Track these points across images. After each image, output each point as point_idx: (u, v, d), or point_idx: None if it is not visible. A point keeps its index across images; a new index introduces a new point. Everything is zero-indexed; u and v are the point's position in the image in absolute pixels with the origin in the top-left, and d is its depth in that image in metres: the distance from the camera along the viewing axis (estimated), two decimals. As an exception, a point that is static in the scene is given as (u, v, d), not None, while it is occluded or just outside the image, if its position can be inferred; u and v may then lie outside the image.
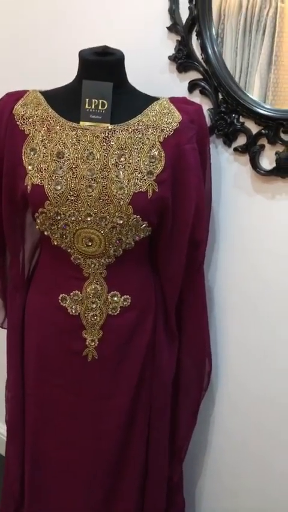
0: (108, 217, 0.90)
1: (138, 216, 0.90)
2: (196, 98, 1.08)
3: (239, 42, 1.01)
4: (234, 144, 1.07)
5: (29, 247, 1.10)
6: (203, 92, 1.07)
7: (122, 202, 0.89)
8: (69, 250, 0.95)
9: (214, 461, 1.30)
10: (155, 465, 1.12)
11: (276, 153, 1.01)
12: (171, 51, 1.08)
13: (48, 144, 0.91)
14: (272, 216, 1.06)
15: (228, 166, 1.09)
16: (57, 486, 1.09)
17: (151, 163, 0.90)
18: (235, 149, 1.06)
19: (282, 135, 1.00)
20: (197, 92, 1.08)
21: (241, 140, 1.06)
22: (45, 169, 0.90)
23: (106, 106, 0.89)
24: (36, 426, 1.07)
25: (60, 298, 0.98)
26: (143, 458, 1.11)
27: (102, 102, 0.89)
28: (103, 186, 0.89)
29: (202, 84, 1.06)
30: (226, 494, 1.29)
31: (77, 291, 0.97)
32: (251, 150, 1.04)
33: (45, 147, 0.91)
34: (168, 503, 1.20)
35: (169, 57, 1.08)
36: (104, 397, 1.03)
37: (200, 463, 1.32)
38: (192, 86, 1.08)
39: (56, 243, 0.95)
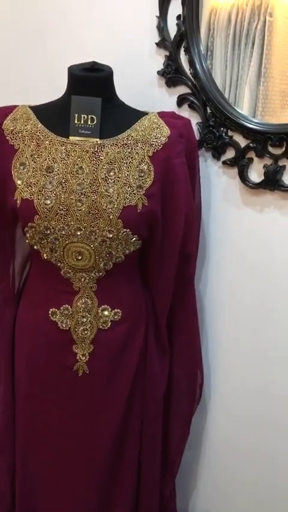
0: (98, 231, 0.90)
1: (128, 230, 0.90)
2: (185, 112, 1.09)
3: (228, 55, 1.02)
4: (223, 158, 1.08)
5: (19, 261, 1.09)
6: (191, 106, 1.08)
7: (111, 216, 0.89)
8: (59, 264, 0.95)
9: (207, 474, 1.29)
10: (147, 479, 1.11)
11: (264, 166, 1.02)
12: (160, 66, 1.09)
13: (38, 159, 0.91)
14: (261, 228, 1.07)
15: (217, 180, 1.10)
16: (48, 501, 1.08)
17: (140, 178, 0.91)
18: (224, 162, 1.08)
19: (270, 149, 1.01)
20: (185, 106, 1.09)
21: (230, 153, 1.07)
22: (34, 183, 0.90)
23: (95, 121, 0.90)
24: (26, 441, 1.06)
25: (50, 312, 0.98)
26: (135, 472, 1.10)
27: (92, 117, 0.90)
28: (93, 201, 0.89)
29: (191, 98, 1.08)
30: (220, 506, 1.28)
31: (67, 305, 0.97)
32: (240, 163, 1.05)
33: (34, 162, 0.91)
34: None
35: (158, 72, 1.10)
36: (95, 411, 1.02)
37: (193, 475, 1.31)
38: (181, 100, 1.09)
39: (45, 257, 0.95)
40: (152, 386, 1.07)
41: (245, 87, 1.02)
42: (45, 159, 0.90)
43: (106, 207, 0.89)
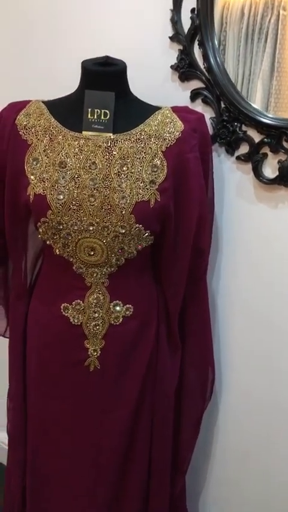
0: (110, 226, 0.90)
1: (140, 225, 0.90)
2: (198, 106, 1.08)
3: (241, 49, 1.01)
4: (237, 153, 1.07)
5: (31, 256, 1.09)
6: (205, 101, 1.07)
7: (124, 212, 0.88)
8: (71, 260, 0.95)
9: (217, 471, 1.28)
10: (157, 477, 1.11)
11: (278, 162, 1.01)
12: (174, 61, 1.08)
13: (51, 154, 0.91)
14: (275, 224, 1.06)
15: (231, 175, 1.09)
16: (58, 498, 1.08)
17: (153, 173, 0.90)
18: (238, 158, 1.06)
19: (285, 144, 0.99)
20: (199, 100, 1.08)
21: (244, 149, 1.05)
22: (47, 179, 0.90)
23: (108, 116, 0.89)
24: (36, 437, 1.06)
25: (62, 307, 0.98)
26: (145, 470, 1.09)
27: (105, 112, 0.89)
28: (105, 196, 0.89)
29: (204, 93, 1.07)
30: (229, 504, 1.28)
31: (79, 301, 0.97)
32: (254, 159, 1.04)
33: (47, 157, 0.91)
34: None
35: (171, 67, 1.09)
36: (106, 407, 1.02)
37: (204, 473, 1.30)
38: (194, 95, 1.08)
39: (58, 252, 0.95)
40: (163, 382, 1.07)
41: (257, 82, 1.00)
42: (58, 154, 0.90)
43: (119, 202, 0.88)
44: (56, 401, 1.03)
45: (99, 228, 0.90)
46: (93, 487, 1.05)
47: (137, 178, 0.89)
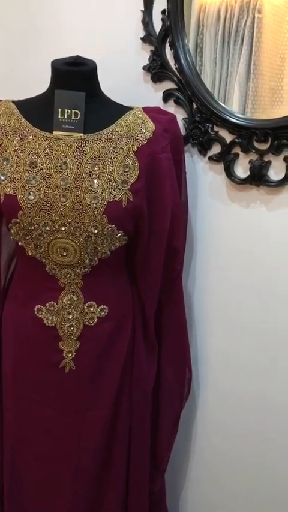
0: (82, 226, 0.89)
1: (113, 226, 0.90)
2: (171, 107, 1.09)
3: (218, 52, 1.02)
4: (209, 153, 1.08)
5: (5, 258, 1.08)
6: (177, 102, 1.08)
7: (96, 212, 0.88)
8: (44, 261, 0.94)
9: (197, 469, 1.29)
10: (136, 476, 1.11)
11: (250, 162, 1.02)
12: (146, 61, 1.09)
13: (21, 154, 0.90)
14: (248, 224, 1.07)
15: (203, 175, 1.10)
16: (37, 500, 1.07)
17: (125, 173, 0.90)
18: (210, 158, 1.07)
19: (256, 144, 1.01)
20: (171, 101, 1.09)
21: (216, 149, 1.07)
22: (18, 179, 0.89)
23: (79, 116, 0.89)
24: (14, 442, 1.05)
25: (35, 309, 0.97)
26: (124, 469, 1.09)
27: (75, 112, 0.89)
28: (77, 196, 0.88)
29: (176, 94, 1.07)
30: (209, 501, 1.28)
31: (52, 302, 0.96)
32: (226, 159, 1.05)
33: (18, 157, 0.90)
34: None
35: (143, 67, 1.09)
36: (83, 409, 1.01)
37: (183, 471, 1.31)
38: (166, 96, 1.09)
39: (30, 253, 0.94)
40: (140, 382, 1.07)
41: (234, 84, 1.01)
42: (29, 154, 0.89)
43: (90, 202, 0.88)
44: (33, 403, 1.02)
45: (72, 228, 0.90)
46: (72, 487, 1.04)
47: (108, 179, 0.89)
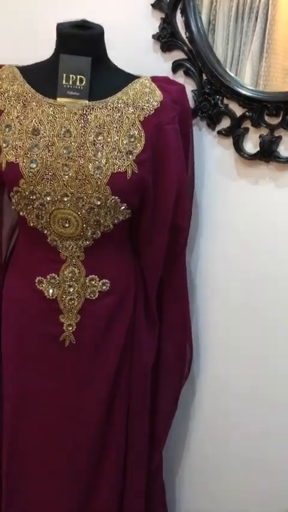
0: (85, 197, 0.87)
1: (116, 197, 0.87)
2: (180, 78, 1.05)
3: (230, 29, 0.98)
4: (218, 127, 1.04)
5: (7, 229, 1.07)
6: (187, 73, 1.04)
7: (99, 183, 0.86)
8: (45, 232, 0.92)
9: (195, 448, 1.29)
10: (134, 452, 1.10)
11: (260, 136, 0.99)
12: (156, 30, 1.05)
13: (24, 121, 0.87)
14: (256, 201, 1.04)
15: (211, 150, 1.07)
16: (36, 474, 1.07)
17: (130, 143, 0.88)
18: (219, 132, 1.04)
19: (267, 118, 0.98)
20: (181, 72, 1.05)
21: (225, 123, 1.03)
22: (20, 146, 0.86)
23: (84, 82, 0.86)
24: (14, 413, 1.04)
25: (36, 281, 0.96)
26: (123, 445, 1.09)
27: (80, 78, 0.86)
28: (80, 165, 0.86)
29: (186, 64, 1.04)
30: (206, 479, 1.29)
31: (53, 274, 0.95)
32: (235, 133, 1.02)
33: (20, 124, 0.87)
34: (148, 490, 1.18)
35: (153, 36, 1.05)
36: (82, 383, 1.00)
37: (180, 449, 1.31)
38: (176, 66, 1.05)
39: (32, 224, 0.92)
40: (140, 358, 1.06)
41: (247, 63, 0.98)
42: (32, 121, 0.87)
43: (94, 172, 0.86)
44: (34, 375, 1.01)
45: (74, 199, 0.87)
46: (70, 461, 1.04)
47: (113, 148, 0.87)
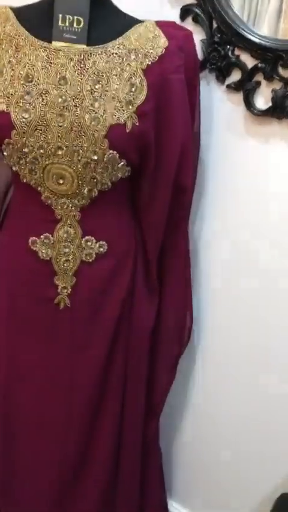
0: (81, 151, 0.81)
1: (114, 152, 0.82)
2: (188, 26, 0.97)
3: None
4: (228, 81, 0.97)
5: (2, 185, 1.02)
6: (196, 20, 0.96)
7: (96, 135, 0.80)
8: (39, 188, 0.87)
9: (193, 414, 1.27)
10: (130, 419, 1.09)
11: (272, 91, 0.91)
12: (163, -29, 0.96)
13: (16, 66, 0.81)
14: (266, 161, 0.98)
15: (220, 106, 1.00)
16: (29, 440, 1.05)
17: (131, 93, 0.81)
18: (228, 86, 0.97)
19: (281, 70, 0.90)
20: (189, 20, 0.98)
21: (235, 76, 0.96)
22: (12, 94, 0.80)
23: (82, 24, 0.79)
24: (8, 377, 1.02)
25: (30, 241, 0.92)
26: (118, 412, 1.07)
27: (78, 19, 0.79)
28: (76, 116, 0.80)
29: (195, 10, 0.96)
30: (204, 446, 1.28)
31: (48, 234, 0.90)
32: (245, 87, 0.94)
33: (12, 70, 0.81)
34: (144, 458, 1.17)
35: (160, -22, 0.97)
36: (77, 348, 0.98)
37: (179, 417, 1.29)
38: (184, 12, 0.97)
39: (25, 180, 0.87)
40: (138, 325, 1.02)
41: (263, 26, 0.91)
42: (25, 67, 0.80)
43: (90, 123, 0.80)
44: (27, 338, 0.98)
45: (69, 152, 0.82)
46: (65, 427, 1.02)
47: (112, 98, 0.80)
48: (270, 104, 0.92)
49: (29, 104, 0.80)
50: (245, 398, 1.16)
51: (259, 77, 0.93)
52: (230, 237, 1.07)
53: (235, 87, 0.96)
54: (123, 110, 0.80)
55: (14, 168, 0.87)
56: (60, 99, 0.80)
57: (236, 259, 1.07)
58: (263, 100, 0.94)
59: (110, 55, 0.81)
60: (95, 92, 0.80)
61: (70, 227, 0.90)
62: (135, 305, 1.00)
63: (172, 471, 1.37)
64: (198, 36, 0.96)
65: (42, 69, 0.80)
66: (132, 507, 1.17)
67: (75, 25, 0.79)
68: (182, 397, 1.27)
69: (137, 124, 0.81)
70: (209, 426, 1.25)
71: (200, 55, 0.95)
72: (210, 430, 1.25)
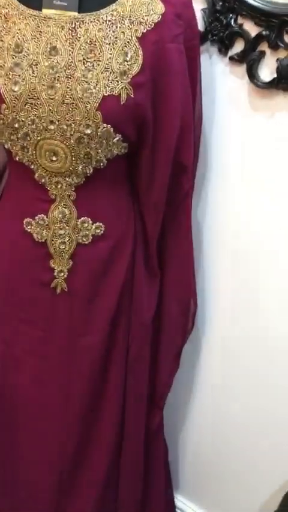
0: (73, 125, 0.77)
1: (108, 126, 0.77)
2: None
3: None
4: (231, 53, 0.92)
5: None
6: (196, -13, 0.91)
7: (88, 107, 0.76)
8: (32, 167, 0.84)
9: (199, 406, 1.23)
10: (132, 411, 1.05)
11: (277, 60, 0.86)
12: None
13: (5, 37, 0.77)
14: (272, 137, 0.92)
15: (223, 80, 0.95)
16: (27, 428, 1.02)
17: (125, 62, 0.76)
18: (231, 58, 0.92)
19: (286, 37, 0.84)
20: (189, -12, 0.92)
21: (239, 47, 0.91)
22: (1, 66, 0.77)
23: (73, -11, 0.75)
24: (4, 363, 1.00)
25: (25, 222, 0.88)
26: (120, 404, 1.03)
27: (68, -15, 0.75)
28: (67, 87, 0.76)
29: (195, -23, 0.90)
30: (212, 439, 1.23)
31: (42, 215, 0.87)
32: (249, 58, 0.89)
33: (1, 40, 0.77)
34: (148, 451, 1.14)
35: None
36: (75, 334, 0.94)
37: (183, 408, 1.25)
38: (184, -20, 0.92)
39: (18, 158, 0.84)
40: (139, 311, 0.98)
41: None
42: (14, 37, 0.77)
43: (83, 95, 0.75)
44: (22, 325, 0.95)
45: (61, 127, 0.78)
46: (63, 416, 0.99)
47: (105, 68, 0.76)
48: (275, 75, 0.87)
49: (19, 76, 0.76)
50: (253, 389, 1.11)
51: (263, 47, 0.88)
52: (236, 218, 1.02)
53: (238, 59, 0.91)
54: (117, 81, 0.76)
55: (6, 146, 0.83)
56: (51, 70, 0.76)
57: (241, 242, 1.03)
58: (267, 71, 0.89)
59: (103, 22, 0.76)
60: (87, 61, 0.76)
61: (65, 207, 0.86)
62: (135, 290, 0.96)
63: (179, 465, 1.33)
64: (199, 6, 0.91)
65: (32, 38, 0.76)
66: (135, 499, 1.13)
67: (65, -9, 0.75)
68: (187, 388, 1.23)
69: (132, 96, 0.77)
70: (216, 418, 1.21)
71: (201, 26, 0.91)
72: (217, 422, 1.21)
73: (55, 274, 0.90)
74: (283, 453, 1.11)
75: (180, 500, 1.35)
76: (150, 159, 0.88)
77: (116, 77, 0.76)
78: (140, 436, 1.09)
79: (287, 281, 0.98)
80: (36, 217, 0.87)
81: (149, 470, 1.15)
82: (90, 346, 0.95)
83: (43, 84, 0.76)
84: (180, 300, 1.04)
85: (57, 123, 0.78)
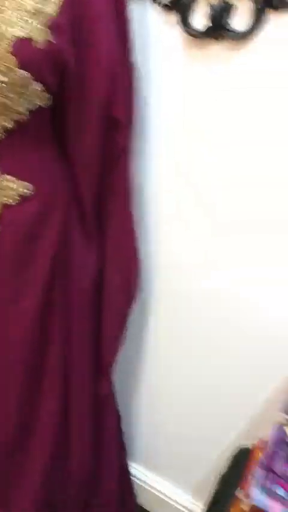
0: (-14, 72, 0.71)
1: (25, 72, 0.72)
2: None
3: None
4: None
5: None
6: None
7: (1, 50, 0.70)
8: None
9: (149, 371, 1.21)
10: (77, 379, 1.02)
11: (210, 7, 0.81)
12: None
13: None
14: (208, 87, 0.88)
15: (156, 30, 0.89)
16: None
17: (41, 1, 0.70)
18: (165, 6, 0.86)
19: (218, -20, 0.80)
20: None
21: (172, -7, 0.85)
22: None
23: None
24: None
25: None
26: (62, 372, 0.99)
27: None
28: (-24, 29, 0.70)
29: None
30: (162, 407, 1.23)
31: None
32: (181, 3, 0.84)
33: None
34: (98, 420, 1.11)
35: None
36: (6, 300, 0.90)
37: (135, 374, 1.24)
38: None
39: None
40: (76, 276, 0.94)
41: None
42: None
43: (-6, 37, 0.69)
44: None
45: (-27, 73, 0.72)
46: (2, 388, 0.95)
47: (17, 7, 0.70)
48: (210, 24, 0.83)
49: None
50: (201, 350, 1.09)
51: (196, -9, 0.83)
52: (176, 169, 0.98)
53: (170, 6, 0.85)
54: (32, 22, 0.70)
55: None
56: None
57: (185, 204, 0.99)
58: (203, 19, 0.84)
59: None
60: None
61: (-14, 165, 0.81)
62: (70, 254, 0.92)
63: (132, 434, 1.32)
64: None
65: None
66: (86, 469, 1.11)
67: None
68: (136, 358, 1.20)
69: (49, 39, 0.71)
70: (164, 387, 1.20)
71: None
72: (165, 391, 1.20)
73: (-20, 237, 0.85)
74: (231, 417, 1.11)
75: (136, 469, 1.34)
76: (77, 114, 0.83)
77: (31, 17, 0.70)
78: (86, 405, 1.07)
79: (227, 232, 0.96)
80: None
81: (100, 439, 1.13)
82: (24, 312, 0.91)
83: None
84: (122, 265, 1.01)
85: None
